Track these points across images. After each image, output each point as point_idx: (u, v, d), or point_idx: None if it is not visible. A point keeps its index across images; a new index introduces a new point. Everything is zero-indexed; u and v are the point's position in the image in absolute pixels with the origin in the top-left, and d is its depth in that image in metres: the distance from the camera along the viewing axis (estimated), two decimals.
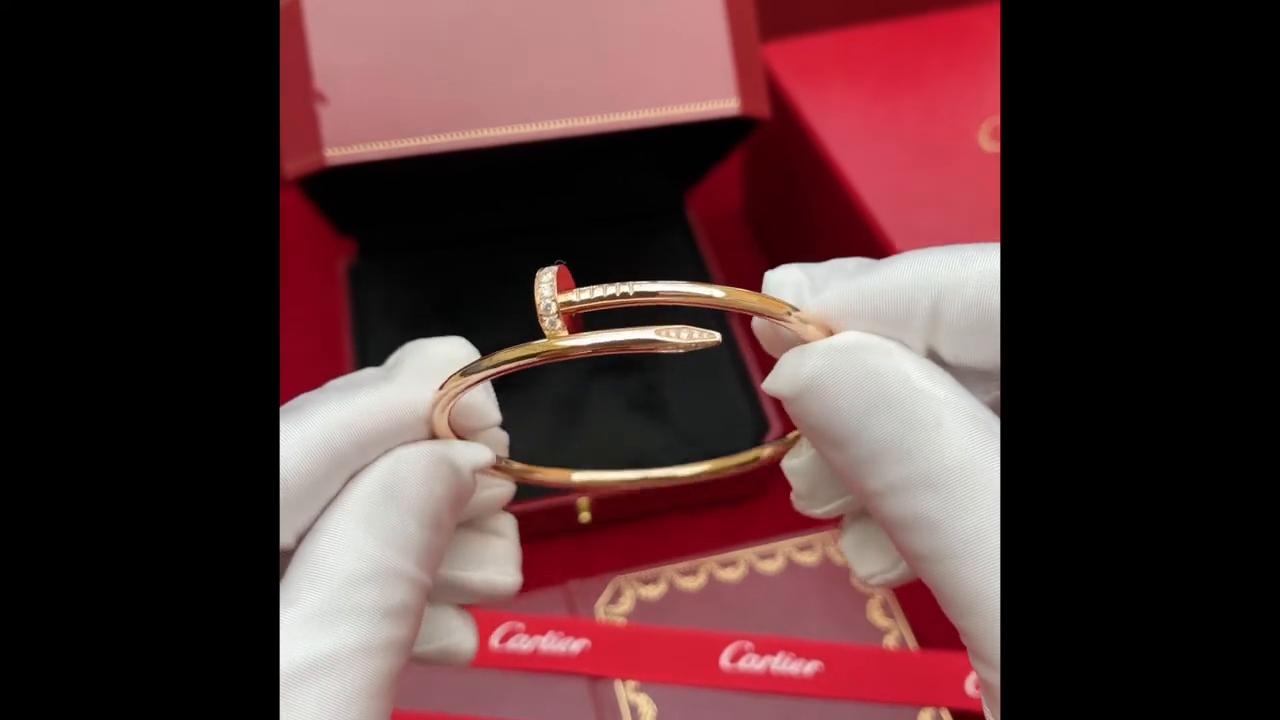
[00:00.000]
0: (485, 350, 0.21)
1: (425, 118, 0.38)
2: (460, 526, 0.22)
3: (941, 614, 0.17)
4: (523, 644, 0.38)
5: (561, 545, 0.44)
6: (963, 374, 0.18)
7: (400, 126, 0.38)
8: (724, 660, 0.38)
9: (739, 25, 0.40)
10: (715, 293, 0.17)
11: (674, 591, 0.40)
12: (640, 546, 0.43)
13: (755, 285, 0.19)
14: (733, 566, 0.40)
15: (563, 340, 0.17)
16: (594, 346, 0.17)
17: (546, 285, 0.17)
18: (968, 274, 0.17)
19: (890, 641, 0.38)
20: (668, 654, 0.38)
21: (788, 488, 0.22)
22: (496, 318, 0.49)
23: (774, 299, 0.18)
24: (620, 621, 0.39)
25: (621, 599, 0.40)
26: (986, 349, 0.18)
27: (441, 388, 0.19)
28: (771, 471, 0.44)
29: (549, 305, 0.17)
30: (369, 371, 0.21)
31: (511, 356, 0.18)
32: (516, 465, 0.22)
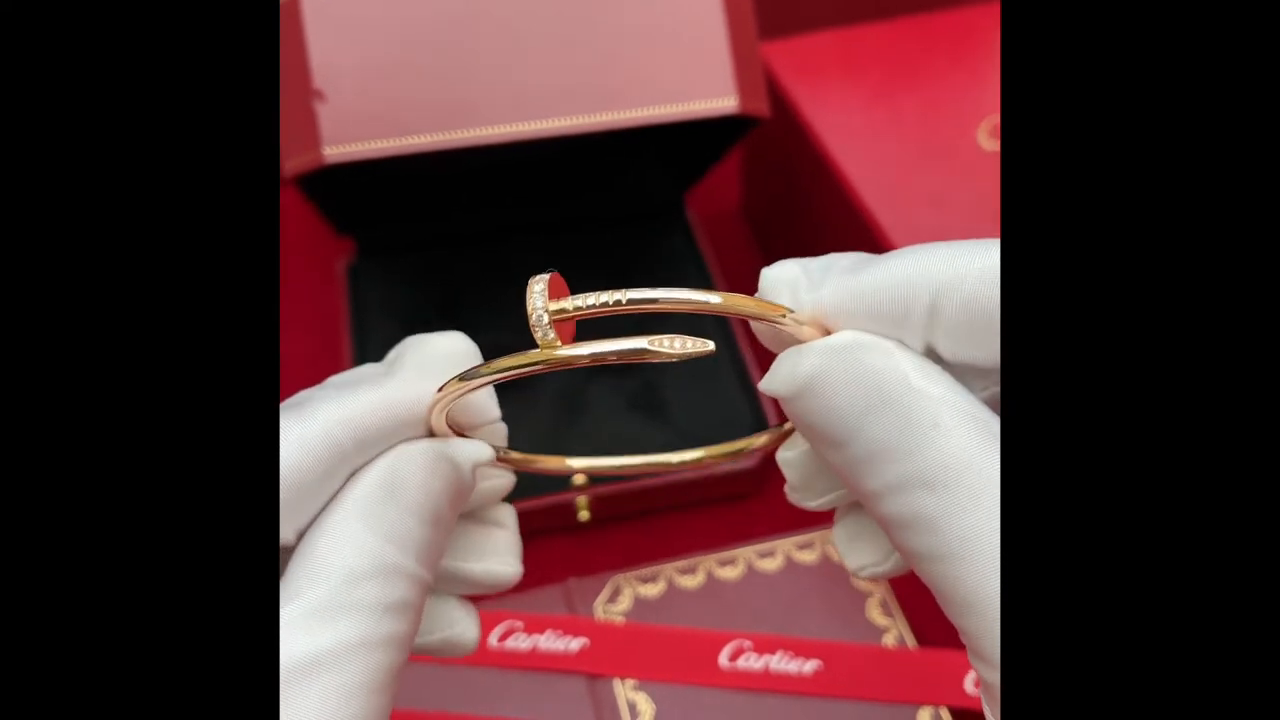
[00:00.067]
0: (485, 350, 0.21)
1: (423, 116, 0.38)
2: (461, 518, 0.22)
3: (940, 612, 0.17)
4: (521, 642, 0.38)
5: (560, 544, 0.44)
6: (960, 370, 0.18)
7: (399, 125, 0.38)
8: (723, 659, 0.38)
9: (738, 24, 0.40)
10: (711, 299, 0.17)
11: (673, 590, 0.40)
12: (639, 545, 0.43)
13: (754, 284, 0.19)
14: (732, 565, 0.40)
15: (563, 350, 0.17)
16: (593, 356, 0.17)
17: (539, 296, 0.17)
18: (967, 271, 0.17)
19: (889, 640, 0.38)
20: (666, 652, 0.38)
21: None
22: (496, 317, 0.49)
23: (770, 303, 0.18)
24: (619, 620, 0.39)
25: (620, 597, 0.40)
26: (985, 346, 0.17)
27: (440, 390, 0.19)
28: (770, 470, 0.44)
29: (541, 316, 0.17)
30: (370, 367, 0.21)
31: (510, 364, 0.18)
32: (515, 455, 0.22)
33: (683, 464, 0.24)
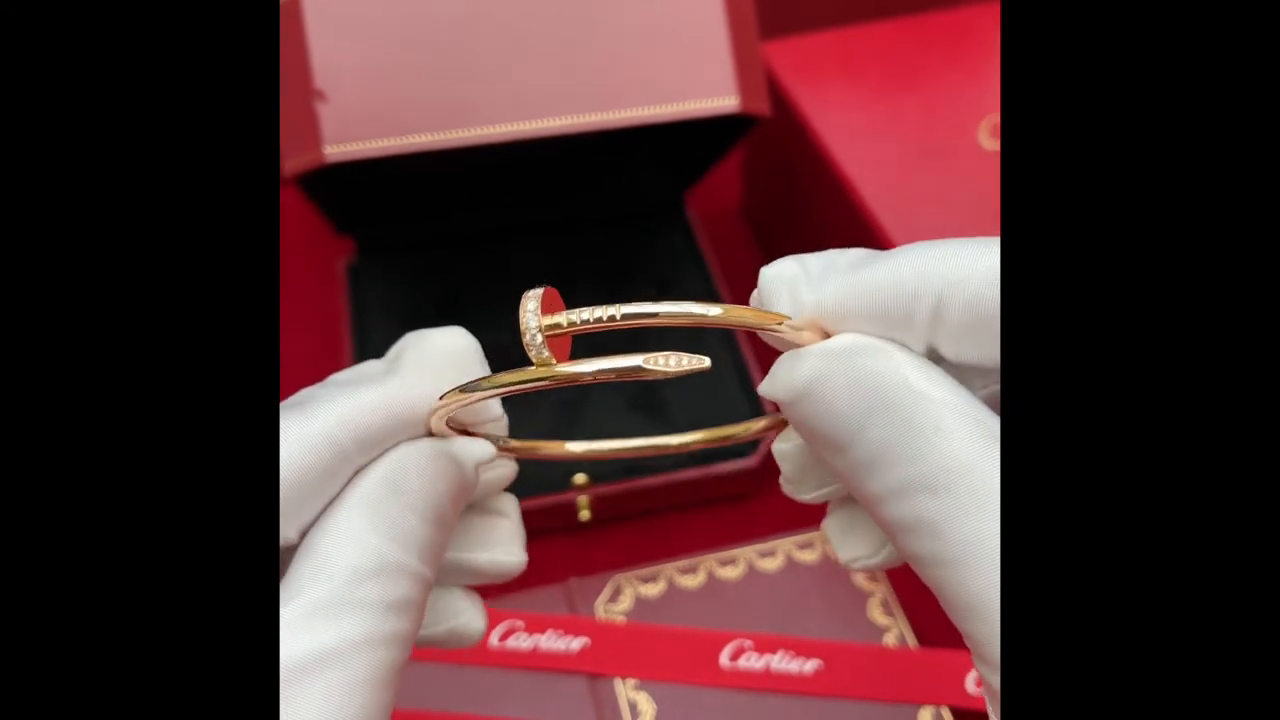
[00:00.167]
0: (485, 349, 0.21)
1: (424, 115, 0.38)
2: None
3: (941, 612, 0.17)
4: (522, 642, 0.38)
5: (561, 543, 0.44)
6: (962, 370, 0.18)
7: (400, 124, 0.38)
8: (724, 658, 0.38)
9: (739, 23, 0.40)
10: (710, 311, 0.17)
11: (674, 590, 0.40)
12: (640, 544, 0.43)
13: (754, 284, 0.19)
14: (732, 564, 0.40)
15: (566, 368, 0.17)
16: (595, 374, 0.17)
17: (531, 315, 0.17)
18: (971, 272, 0.17)
19: (890, 639, 0.38)
20: (667, 652, 0.38)
21: None
22: (496, 317, 0.49)
23: (768, 313, 0.18)
24: (620, 620, 0.39)
25: (621, 597, 0.40)
26: (989, 347, 0.17)
27: (442, 398, 0.19)
28: (770, 471, 0.44)
29: (534, 335, 0.17)
30: (371, 365, 0.21)
31: (512, 380, 0.18)
32: (515, 443, 0.22)
33: (681, 446, 0.24)
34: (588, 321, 0.17)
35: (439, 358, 0.20)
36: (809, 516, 0.40)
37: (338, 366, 0.49)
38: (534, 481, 0.42)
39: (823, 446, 0.18)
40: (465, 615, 0.22)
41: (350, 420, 0.19)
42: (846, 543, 0.21)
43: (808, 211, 0.49)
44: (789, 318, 0.18)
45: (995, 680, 0.16)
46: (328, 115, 0.38)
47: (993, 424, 0.17)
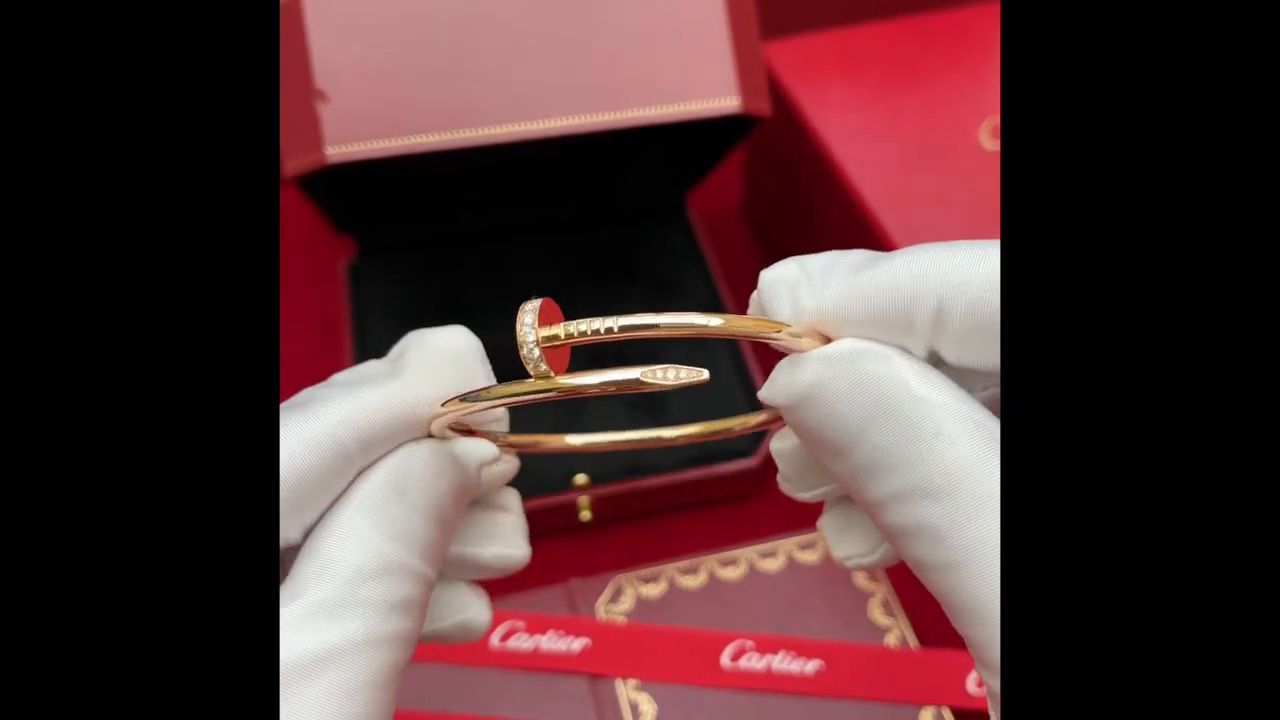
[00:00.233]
0: (486, 349, 0.21)
1: (425, 116, 0.38)
2: None
3: (942, 612, 0.17)
4: (523, 643, 0.38)
5: (562, 544, 0.44)
6: (962, 372, 0.18)
7: (401, 124, 0.38)
8: (725, 659, 0.38)
9: (740, 23, 0.40)
10: (711, 321, 0.17)
11: (675, 590, 0.40)
12: (641, 545, 0.43)
13: (755, 284, 0.19)
14: (733, 565, 0.40)
15: (571, 380, 0.17)
16: (600, 386, 0.17)
17: (529, 328, 0.17)
18: (973, 276, 0.17)
19: (891, 640, 0.38)
20: (668, 653, 0.38)
21: None
22: (497, 316, 0.49)
23: (768, 321, 0.18)
24: (621, 620, 0.39)
25: (622, 598, 0.40)
26: (990, 351, 0.17)
27: (444, 405, 0.19)
28: (771, 471, 0.44)
29: (531, 349, 0.17)
30: (373, 364, 0.21)
31: (514, 391, 0.18)
32: (516, 438, 0.22)
33: (677, 438, 0.24)
34: (586, 334, 0.17)
35: (441, 357, 0.20)
36: (810, 517, 0.40)
37: (338, 366, 0.49)
38: (535, 482, 0.42)
39: (823, 451, 0.18)
40: (472, 609, 0.22)
41: (353, 420, 0.19)
42: (842, 541, 0.21)
43: (808, 211, 0.49)
44: (789, 325, 0.18)
45: (996, 683, 0.16)
46: (329, 115, 0.38)
47: (993, 428, 0.17)
